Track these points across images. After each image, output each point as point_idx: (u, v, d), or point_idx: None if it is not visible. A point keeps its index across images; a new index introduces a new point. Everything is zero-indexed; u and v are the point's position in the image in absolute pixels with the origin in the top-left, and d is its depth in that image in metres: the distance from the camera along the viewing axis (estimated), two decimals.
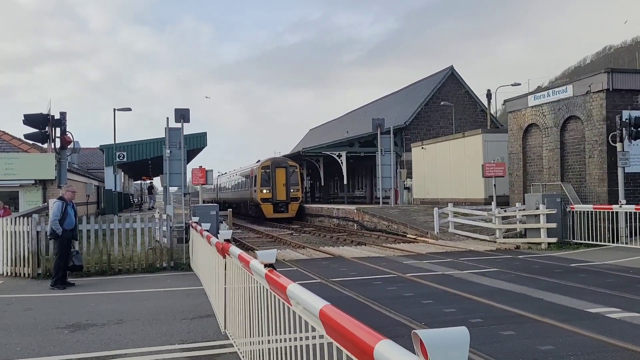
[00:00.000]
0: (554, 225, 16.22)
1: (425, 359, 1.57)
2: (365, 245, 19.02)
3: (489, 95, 39.37)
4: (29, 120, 14.11)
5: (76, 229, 11.78)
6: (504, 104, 25.05)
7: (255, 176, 36.79)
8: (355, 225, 27.36)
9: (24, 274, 12.42)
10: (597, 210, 16.34)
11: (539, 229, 16.59)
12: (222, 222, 18.17)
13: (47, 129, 14.08)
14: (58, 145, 14.46)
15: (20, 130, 14.59)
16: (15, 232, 12.67)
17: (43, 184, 17.65)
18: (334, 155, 37.40)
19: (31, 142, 17.86)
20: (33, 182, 17.40)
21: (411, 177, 34.35)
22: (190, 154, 34.06)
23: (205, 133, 34.37)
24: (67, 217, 11.14)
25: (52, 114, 14.14)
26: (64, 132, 14.36)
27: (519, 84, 43.00)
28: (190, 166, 25.85)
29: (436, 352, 1.57)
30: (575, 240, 16.76)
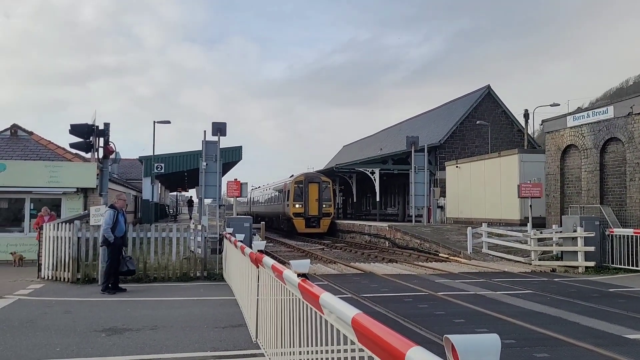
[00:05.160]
0: (591, 248, 15.82)
1: None
2: (396, 262, 18.90)
3: (526, 115, 38.79)
4: (74, 130, 14.65)
5: (126, 235, 12.17)
6: (541, 124, 24.66)
7: (289, 191, 37.04)
8: (387, 243, 27.21)
9: (65, 279, 12.84)
10: (638, 235, 15.87)
11: (576, 252, 16.21)
12: (255, 234, 18.39)
13: (91, 139, 14.58)
14: (101, 154, 14.95)
15: (68, 142, 15.08)
16: (57, 237, 13.13)
17: (84, 192, 18.23)
18: (367, 172, 37.38)
19: (74, 151, 18.50)
20: (75, 190, 17.99)
21: (445, 196, 34.01)
22: (226, 167, 34.62)
23: (241, 147, 34.97)
24: (118, 224, 11.56)
25: (96, 124, 14.66)
26: (107, 142, 14.85)
27: (558, 105, 42.25)
28: (225, 179, 26.28)
29: (468, 356, 1.61)
30: (614, 265, 16.30)
